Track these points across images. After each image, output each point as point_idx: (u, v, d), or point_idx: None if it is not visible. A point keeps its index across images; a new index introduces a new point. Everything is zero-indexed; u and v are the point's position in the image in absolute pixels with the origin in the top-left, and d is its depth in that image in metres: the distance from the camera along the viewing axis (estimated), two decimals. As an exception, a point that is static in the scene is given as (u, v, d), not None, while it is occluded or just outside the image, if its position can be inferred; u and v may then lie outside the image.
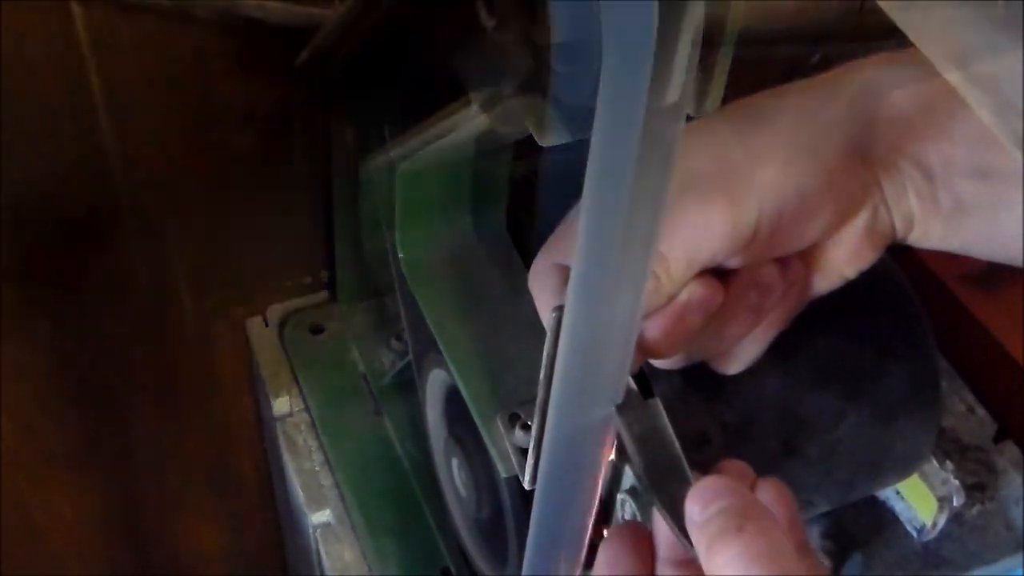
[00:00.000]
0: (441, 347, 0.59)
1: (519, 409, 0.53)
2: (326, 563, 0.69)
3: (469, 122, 0.48)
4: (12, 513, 0.88)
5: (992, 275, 0.83)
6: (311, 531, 0.71)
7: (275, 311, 0.81)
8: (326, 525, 0.70)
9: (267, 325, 0.80)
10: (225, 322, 0.81)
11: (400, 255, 0.63)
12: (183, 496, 0.96)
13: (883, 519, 0.67)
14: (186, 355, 0.83)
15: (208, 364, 0.84)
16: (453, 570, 0.68)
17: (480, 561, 0.64)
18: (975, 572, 0.66)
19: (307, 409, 0.75)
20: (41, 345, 0.78)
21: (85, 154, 0.67)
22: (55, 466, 0.86)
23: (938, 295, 0.82)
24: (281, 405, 0.76)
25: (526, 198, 0.64)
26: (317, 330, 0.79)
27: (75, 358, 0.80)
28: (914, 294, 0.60)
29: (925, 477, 0.65)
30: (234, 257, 0.78)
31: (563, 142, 0.42)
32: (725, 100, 0.66)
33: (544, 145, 0.43)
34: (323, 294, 0.81)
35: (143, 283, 0.76)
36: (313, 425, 0.74)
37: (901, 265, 0.62)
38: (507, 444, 0.53)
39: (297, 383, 0.76)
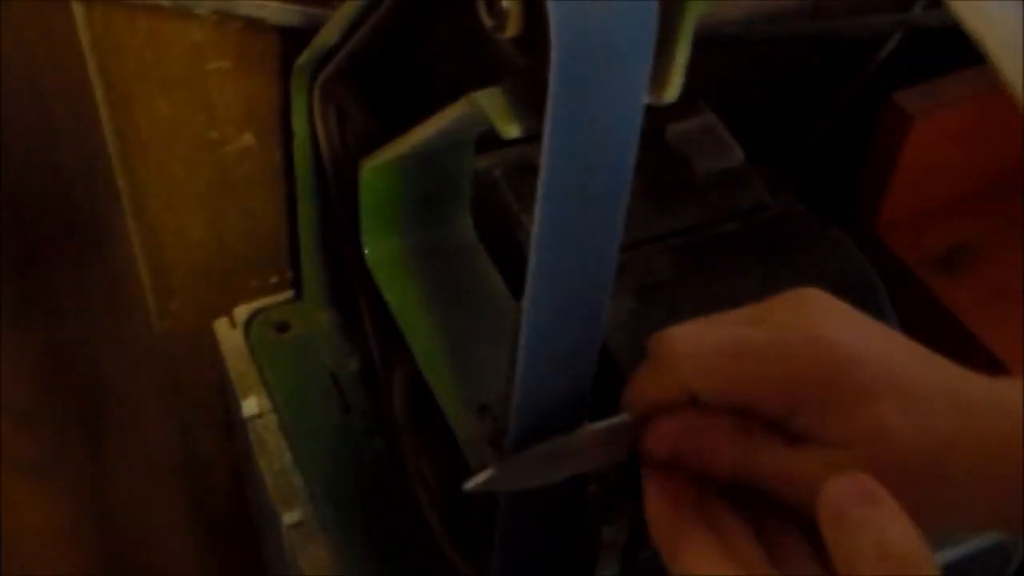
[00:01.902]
0: (409, 342, 0.59)
1: (487, 401, 0.53)
2: (299, 563, 0.69)
3: (467, 120, 0.48)
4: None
5: (956, 258, 0.84)
6: (284, 531, 0.71)
7: (242, 311, 0.80)
8: (298, 525, 0.70)
9: (234, 326, 0.80)
10: (191, 324, 0.81)
11: (366, 251, 0.63)
12: (154, 501, 0.95)
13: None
14: (153, 357, 0.82)
15: (175, 366, 0.84)
16: (426, 565, 0.68)
17: (453, 555, 0.64)
18: (944, 555, 0.67)
19: (276, 409, 0.75)
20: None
21: (85, 154, 0.67)
22: (21, 473, 0.86)
23: (902, 278, 0.82)
24: (250, 406, 0.75)
25: (490, 192, 0.64)
26: (282, 328, 0.79)
27: (59, 362, 0.80)
28: (878, 278, 0.60)
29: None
30: (202, 257, 0.78)
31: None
32: (704, 94, 0.67)
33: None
34: (289, 293, 0.81)
35: (141, 283, 0.76)
36: (282, 425, 0.74)
37: (863, 249, 0.63)
38: (478, 436, 0.53)
39: (265, 383, 0.76)
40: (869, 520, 0.37)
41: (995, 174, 0.88)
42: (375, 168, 0.60)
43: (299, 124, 0.66)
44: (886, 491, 0.38)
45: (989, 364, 0.78)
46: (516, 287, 0.55)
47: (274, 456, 0.73)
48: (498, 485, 0.47)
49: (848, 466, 0.41)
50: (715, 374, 0.44)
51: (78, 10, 0.60)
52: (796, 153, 0.84)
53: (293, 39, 0.63)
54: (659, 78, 0.39)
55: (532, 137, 0.40)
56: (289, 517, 0.70)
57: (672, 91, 0.39)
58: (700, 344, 0.44)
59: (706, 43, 0.39)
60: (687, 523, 0.43)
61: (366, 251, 0.63)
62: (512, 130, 0.42)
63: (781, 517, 0.44)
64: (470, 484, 0.46)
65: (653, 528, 0.44)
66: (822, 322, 0.43)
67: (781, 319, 0.44)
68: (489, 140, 0.60)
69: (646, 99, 0.38)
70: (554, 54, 0.35)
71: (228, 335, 0.79)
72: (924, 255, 0.84)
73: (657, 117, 0.40)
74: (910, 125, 0.79)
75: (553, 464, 0.46)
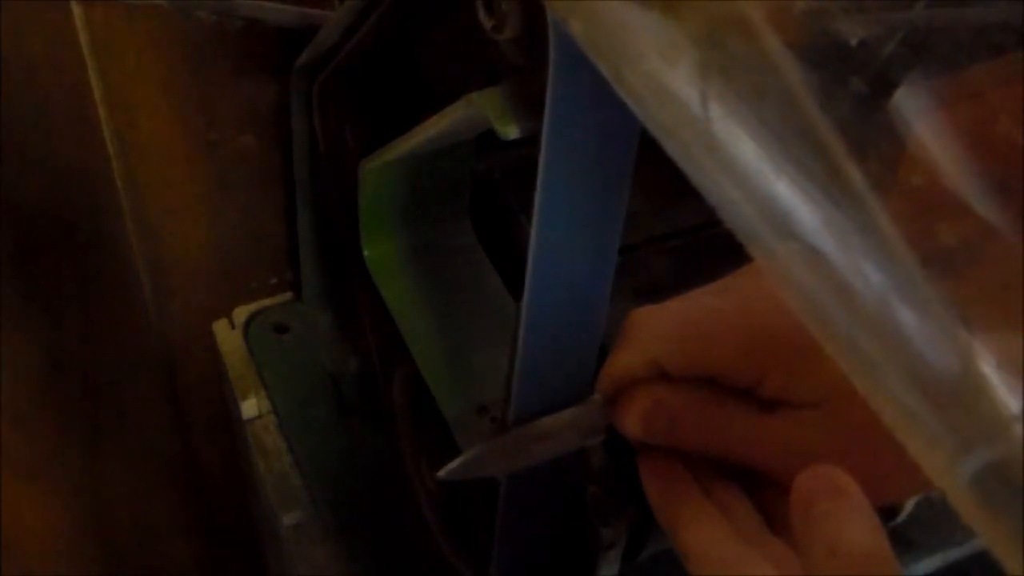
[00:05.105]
0: (408, 343, 0.59)
1: (487, 402, 0.53)
2: (299, 564, 0.69)
3: (466, 121, 0.48)
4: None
5: (958, 257, 0.83)
6: (283, 532, 0.70)
7: (241, 312, 0.80)
8: (298, 526, 0.70)
9: (233, 327, 0.80)
10: (191, 324, 0.81)
11: (365, 252, 0.63)
12: (152, 502, 0.95)
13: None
14: (153, 358, 0.82)
15: (175, 367, 0.84)
16: (425, 566, 0.68)
17: (453, 556, 0.64)
18: (944, 555, 0.67)
19: (275, 410, 0.75)
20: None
21: (85, 154, 0.67)
22: (21, 473, 0.86)
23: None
24: (249, 408, 0.75)
25: (490, 193, 0.64)
26: (282, 330, 0.79)
27: (59, 363, 0.80)
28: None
29: (893, 461, 0.65)
30: (201, 258, 0.77)
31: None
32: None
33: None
34: (288, 294, 0.81)
35: (141, 283, 0.76)
36: (281, 426, 0.74)
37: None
38: (477, 436, 0.53)
39: (264, 384, 0.76)
40: (830, 514, 0.37)
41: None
42: (374, 169, 0.60)
43: (298, 125, 0.65)
44: (855, 486, 0.38)
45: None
46: (516, 287, 0.55)
47: (273, 457, 0.73)
48: (475, 470, 0.47)
49: (820, 426, 0.41)
50: (681, 344, 0.44)
51: (78, 10, 0.60)
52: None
53: (292, 40, 0.63)
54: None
55: (532, 137, 0.40)
56: (289, 518, 0.70)
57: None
58: (664, 316, 0.44)
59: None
60: (683, 500, 0.43)
61: (365, 252, 0.62)
62: (511, 131, 0.42)
63: (778, 488, 0.43)
64: (447, 469, 0.46)
65: (653, 509, 0.44)
66: None
67: (745, 286, 0.44)
68: (489, 140, 0.60)
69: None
70: (553, 55, 0.35)
71: (227, 336, 0.79)
72: (925, 255, 0.83)
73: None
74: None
75: (529, 447, 0.46)
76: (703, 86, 0.24)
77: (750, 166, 0.24)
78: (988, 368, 0.22)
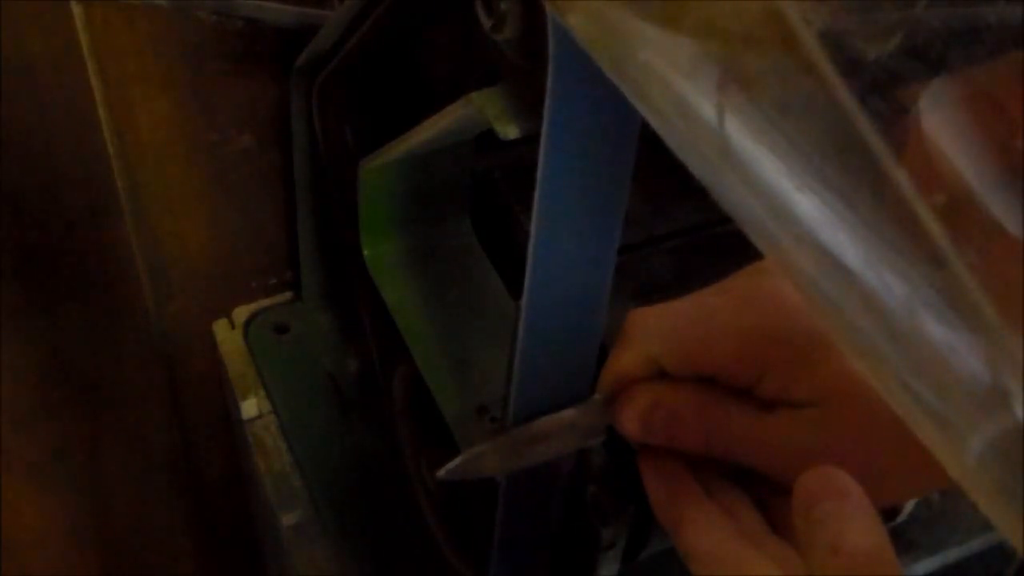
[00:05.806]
0: (408, 343, 0.59)
1: (487, 402, 0.53)
2: (298, 564, 0.69)
3: (466, 121, 0.48)
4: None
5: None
6: (283, 532, 0.70)
7: (241, 312, 0.80)
8: (297, 526, 0.70)
9: (233, 327, 0.80)
10: (191, 324, 0.81)
11: (365, 252, 0.63)
12: (152, 502, 0.95)
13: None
14: (153, 358, 0.82)
15: (175, 367, 0.84)
16: (425, 566, 0.68)
17: (453, 556, 0.64)
18: (945, 555, 0.67)
19: (275, 410, 0.75)
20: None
21: (85, 154, 0.67)
22: (21, 473, 0.86)
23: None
24: (249, 408, 0.75)
25: (490, 193, 0.64)
26: (282, 329, 0.79)
27: (59, 363, 0.80)
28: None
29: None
30: (201, 258, 0.77)
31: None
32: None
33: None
34: (288, 294, 0.81)
35: (141, 283, 0.76)
36: (281, 426, 0.74)
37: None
38: (476, 436, 0.53)
39: (264, 384, 0.76)
40: (832, 514, 0.37)
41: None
42: (374, 168, 0.60)
43: (298, 125, 0.65)
44: (858, 487, 0.38)
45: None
46: (516, 287, 0.55)
47: (273, 457, 0.73)
48: (474, 470, 0.47)
49: (820, 426, 0.41)
50: (680, 343, 0.44)
51: (78, 11, 0.60)
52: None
53: (292, 40, 0.63)
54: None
55: (532, 137, 0.40)
56: (288, 518, 0.70)
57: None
58: (664, 316, 0.44)
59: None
60: (685, 499, 0.43)
61: (365, 252, 0.63)
62: (510, 131, 0.42)
63: (778, 488, 0.43)
64: (446, 469, 0.46)
65: (655, 508, 0.44)
66: (783, 283, 0.43)
67: (744, 286, 0.44)
68: (489, 140, 0.60)
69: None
70: (552, 54, 0.35)
71: (227, 336, 0.79)
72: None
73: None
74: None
75: (529, 447, 0.46)
76: (720, 96, 0.23)
77: (767, 176, 0.24)
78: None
